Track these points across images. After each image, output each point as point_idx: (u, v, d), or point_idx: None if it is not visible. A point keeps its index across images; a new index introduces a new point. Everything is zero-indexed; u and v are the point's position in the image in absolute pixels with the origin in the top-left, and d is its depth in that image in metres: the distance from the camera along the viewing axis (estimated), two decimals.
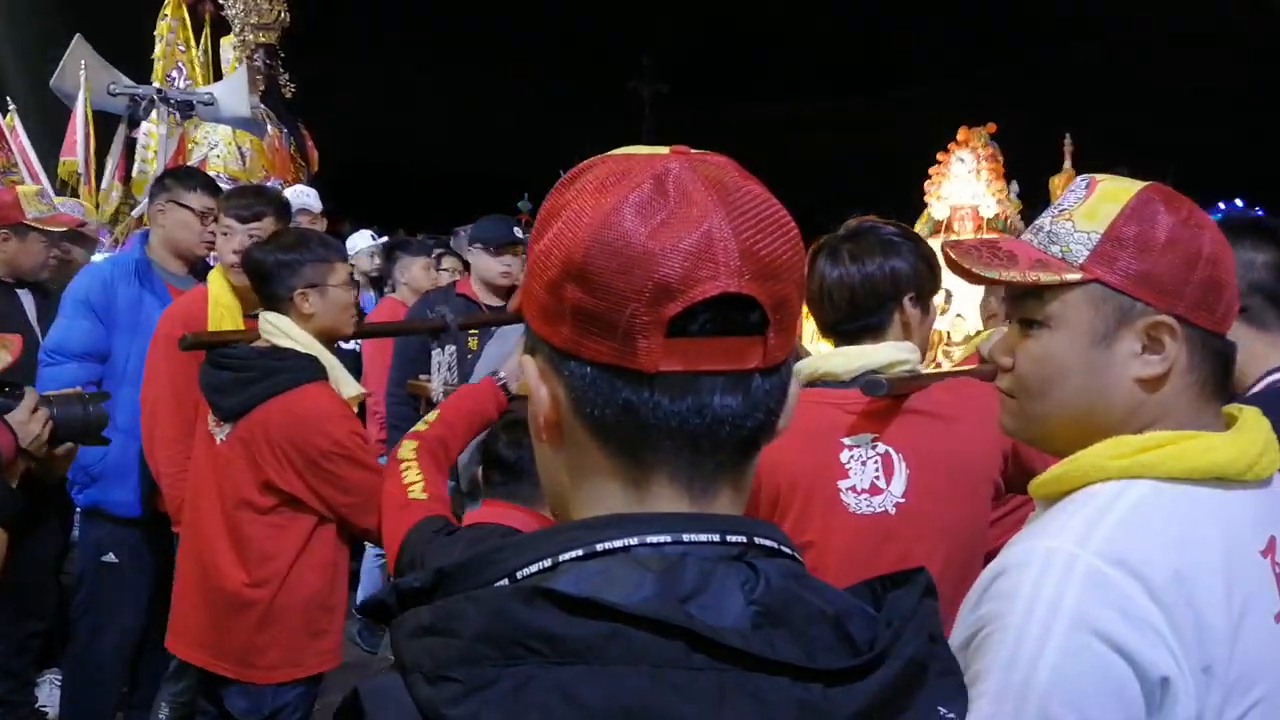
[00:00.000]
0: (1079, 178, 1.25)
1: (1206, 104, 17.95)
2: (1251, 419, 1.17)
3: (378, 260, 6.62)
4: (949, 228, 5.85)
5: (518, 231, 4.34)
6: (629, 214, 0.74)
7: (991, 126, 5.83)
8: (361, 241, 6.83)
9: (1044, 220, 1.23)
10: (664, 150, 0.80)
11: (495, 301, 4.29)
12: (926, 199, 5.91)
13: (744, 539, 0.76)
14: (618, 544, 0.74)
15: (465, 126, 21.92)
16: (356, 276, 6.66)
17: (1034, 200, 6.82)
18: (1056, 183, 6.17)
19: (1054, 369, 1.18)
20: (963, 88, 17.44)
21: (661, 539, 0.74)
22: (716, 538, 0.75)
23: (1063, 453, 1.18)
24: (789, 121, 22.15)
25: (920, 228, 6.04)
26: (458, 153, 21.49)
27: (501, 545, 0.77)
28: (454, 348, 3.29)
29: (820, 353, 2.05)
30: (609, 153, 0.81)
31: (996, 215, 5.78)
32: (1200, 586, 1.05)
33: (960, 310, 5.52)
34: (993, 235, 5.70)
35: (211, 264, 3.57)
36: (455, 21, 21.88)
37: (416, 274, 5.64)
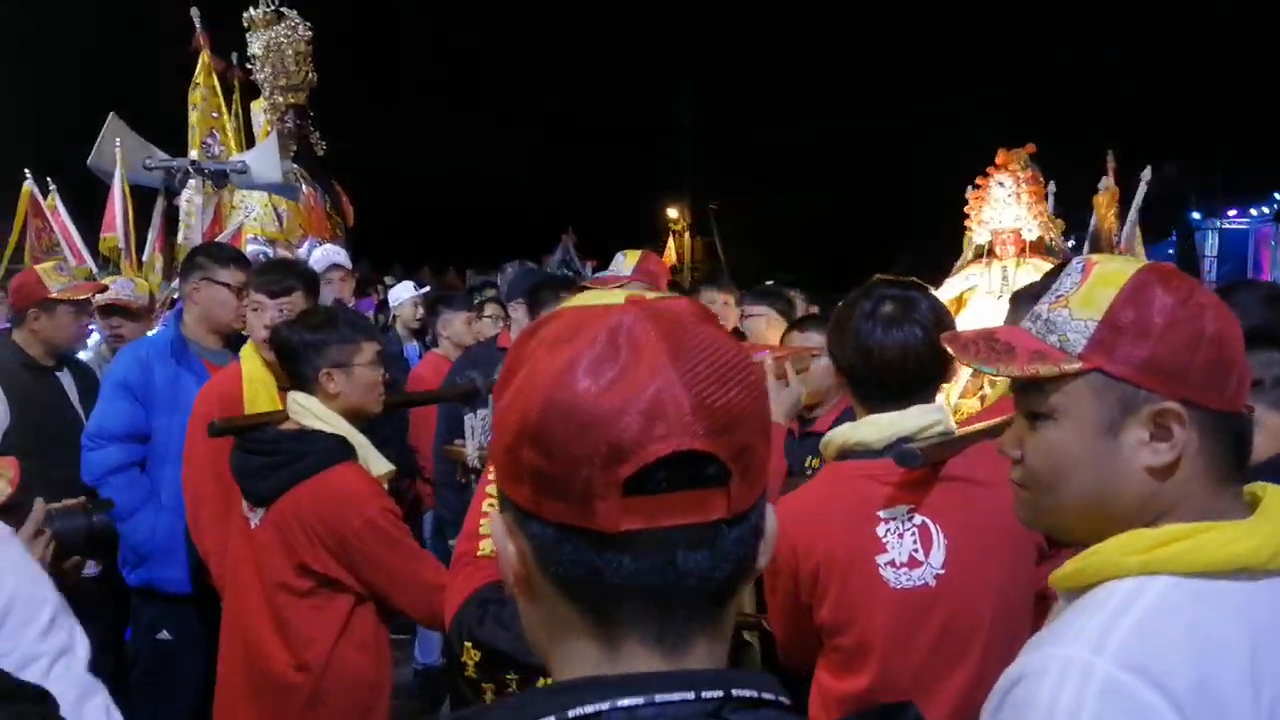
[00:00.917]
0: (1075, 260, 1.21)
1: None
2: (1274, 502, 1.10)
3: (420, 311, 6.64)
4: (991, 253, 5.71)
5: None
6: (580, 374, 0.74)
7: (1030, 147, 5.69)
8: (404, 293, 6.87)
9: (1041, 307, 1.19)
10: (620, 298, 0.80)
11: None
12: (966, 224, 5.78)
13: (720, 693, 0.74)
14: (589, 710, 0.73)
15: (505, 163, 22.15)
16: (399, 329, 6.70)
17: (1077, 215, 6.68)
18: (1101, 200, 6.00)
19: (1062, 461, 1.15)
20: (997, 99, 17.26)
21: (634, 701, 0.73)
22: (690, 695, 0.74)
23: (1083, 543, 1.14)
24: (822, 142, 22.11)
25: (965, 252, 5.92)
26: (500, 189, 21.71)
27: (481, 713, 0.79)
28: (485, 411, 3.25)
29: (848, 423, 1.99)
30: (571, 301, 0.82)
31: (1040, 238, 5.63)
32: (1225, 695, 0.99)
33: None
34: (1039, 259, 5.54)
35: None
36: (486, 61, 22.15)
37: (458, 328, 5.65)
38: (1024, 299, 3.04)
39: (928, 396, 1.94)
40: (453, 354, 5.36)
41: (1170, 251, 19.80)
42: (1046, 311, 1.17)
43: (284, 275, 3.38)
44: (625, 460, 0.72)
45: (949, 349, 1.26)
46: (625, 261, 4.08)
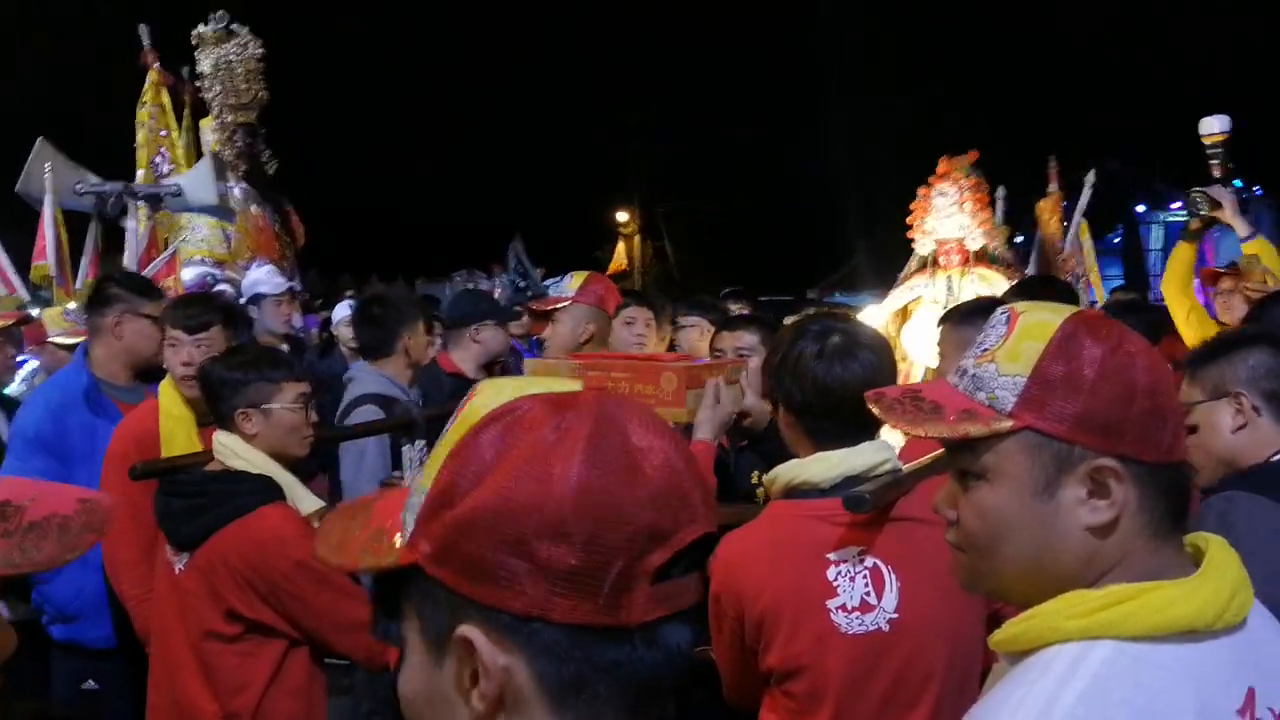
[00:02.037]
0: (999, 310, 1.17)
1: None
2: (1219, 557, 1.07)
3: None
4: (935, 263, 5.71)
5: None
6: (601, 463, 0.73)
7: (973, 154, 5.69)
8: (345, 311, 6.73)
9: (967, 361, 1.15)
10: (576, 385, 0.79)
11: (477, 375, 4.27)
12: (910, 235, 5.78)
13: None
14: None
15: (453, 170, 22.02)
16: (342, 348, 6.57)
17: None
18: (1044, 206, 6.04)
19: (997, 523, 1.10)
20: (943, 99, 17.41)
21: None
22: None
23: (1024, 604, 1.10)
24: (770, 144, 22.18)
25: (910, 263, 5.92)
26: (449, 196, 21.58)
27: None
28: (423, 443, 3.21)
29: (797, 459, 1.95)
30: (521, 395, 0.78)
31: (984, 247, 5.64)
32: None
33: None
34: (983, 269, 5.54)
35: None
36: (435, 67, 22.03)
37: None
38: (953, 321, 3.04)
39: (876, 432, 1.92)
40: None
41: (1116, 241, 20.06)
42: (972, 366, 1.14)
43: (201, 310, 3.28)
44: (659, 547, 0.72)
45: (874, 409, 1.22)
46: (570, 283, 3.94)
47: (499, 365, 4.64)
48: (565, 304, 3.77)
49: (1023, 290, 3.57)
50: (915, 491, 1.86)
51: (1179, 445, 1.08)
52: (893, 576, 1.82)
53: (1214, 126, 5.28)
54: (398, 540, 0.80)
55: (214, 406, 2.64)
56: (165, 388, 3.25)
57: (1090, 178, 6.25)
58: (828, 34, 20.87)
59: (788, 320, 4.02)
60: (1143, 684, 0.98)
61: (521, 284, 9.96)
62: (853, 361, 1.87)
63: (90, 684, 3.34)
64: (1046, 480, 1.07)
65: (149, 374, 3.45)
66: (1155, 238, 21.08)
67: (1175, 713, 0.98)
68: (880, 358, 1.90)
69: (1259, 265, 4.65)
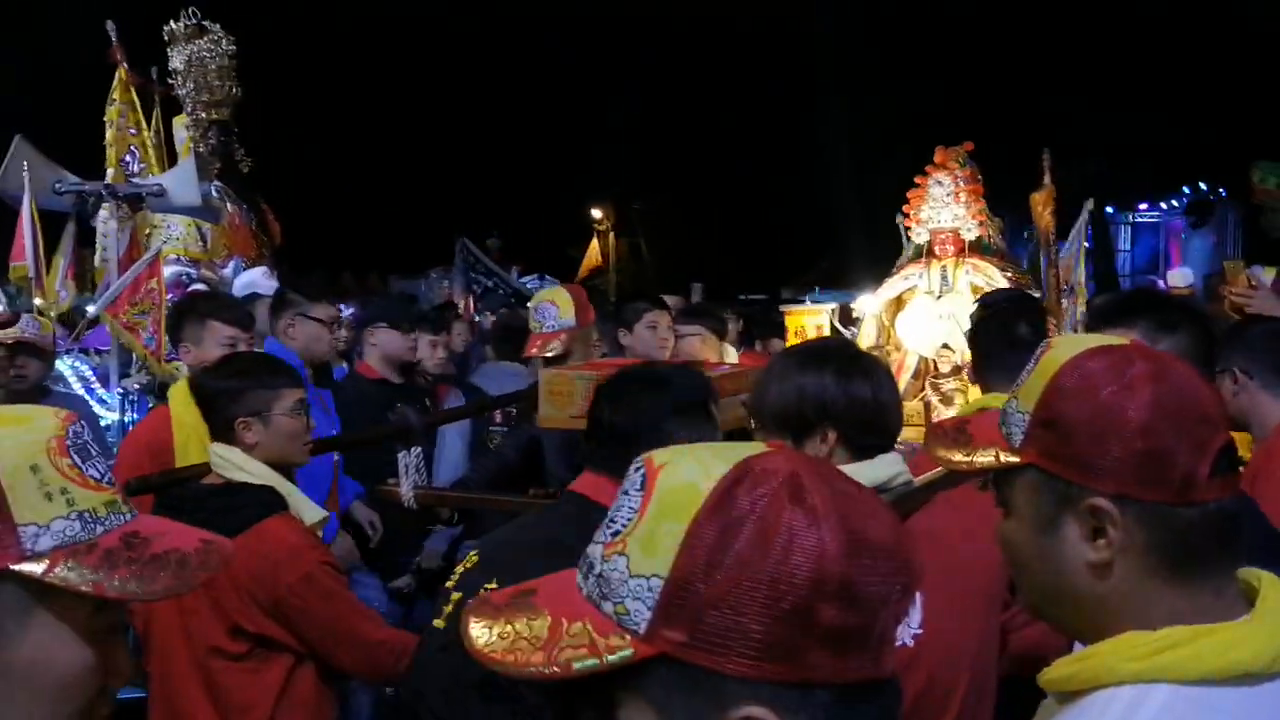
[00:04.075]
0: (1043, 343, 1.16)
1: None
2: (1273, 596, 1.04)
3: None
4: (930, 253, 5.72)
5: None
6: (845, 517, 0.77)
7: (968, 145, 5.70)
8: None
9: (1009, 397, 1.15)
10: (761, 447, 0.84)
11: (397, 378, 4.35)
12: (905, 224, 5.79)
13: None
14: None
15: (429, 165, 21.90)
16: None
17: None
18: (1037, 199, 6.05)
19: (1014, 555, 1.14)
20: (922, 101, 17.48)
21: None
22: None
23: (1070, 633, 1.13)
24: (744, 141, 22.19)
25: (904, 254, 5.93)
26: (424, 191, 21.46)
27: None
28: (419, 449, 3.17)
29: None
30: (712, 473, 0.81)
31: (979, 238, 5.66)
32: None
33: (948, 340, 5.41)
34: (978, 259, 5.58)
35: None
36: (409, 64, 21.89)
37: (422, 348, 5.33)
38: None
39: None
40: (385, 371, 5.15)
41: (1087, 245, 20.27)
42: (1009, 402, 1.15)
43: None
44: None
45: (928, 437, 1.25)
46: (559, 312, 3.70)
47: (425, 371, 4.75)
48: (562, 336, 3.67)
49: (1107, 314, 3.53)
50: (929, 507, 1.85)
51: (1194, 486, 1.03)
52: (917, 593, 1.80)
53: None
54: (616, 636, 0.78)
55: (211, 418, 2.58)
56: (178, 393, 3.18)
57: (1089, 205, 6.33)
58: (806, 30, 20.92)
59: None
60: None
61: (489, 283, 9.80)
62: (882, 385, 1.90)
63: None
64: (1050, 517, 1.08)
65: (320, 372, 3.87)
66: (1124, 239, 21.36)
67: None
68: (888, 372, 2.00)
69: (1243, 269, 4.72)
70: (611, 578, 0.80)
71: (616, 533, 0.82)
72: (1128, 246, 21.44)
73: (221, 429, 2.56)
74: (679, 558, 0.77)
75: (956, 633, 1.81)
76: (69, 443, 0.99)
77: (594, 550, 0.84)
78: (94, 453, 1.01)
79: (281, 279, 7.71)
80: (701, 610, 0.75)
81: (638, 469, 0.84)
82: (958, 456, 1.16)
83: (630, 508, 0.82)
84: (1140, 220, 21.33)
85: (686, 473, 0.81)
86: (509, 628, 0.82)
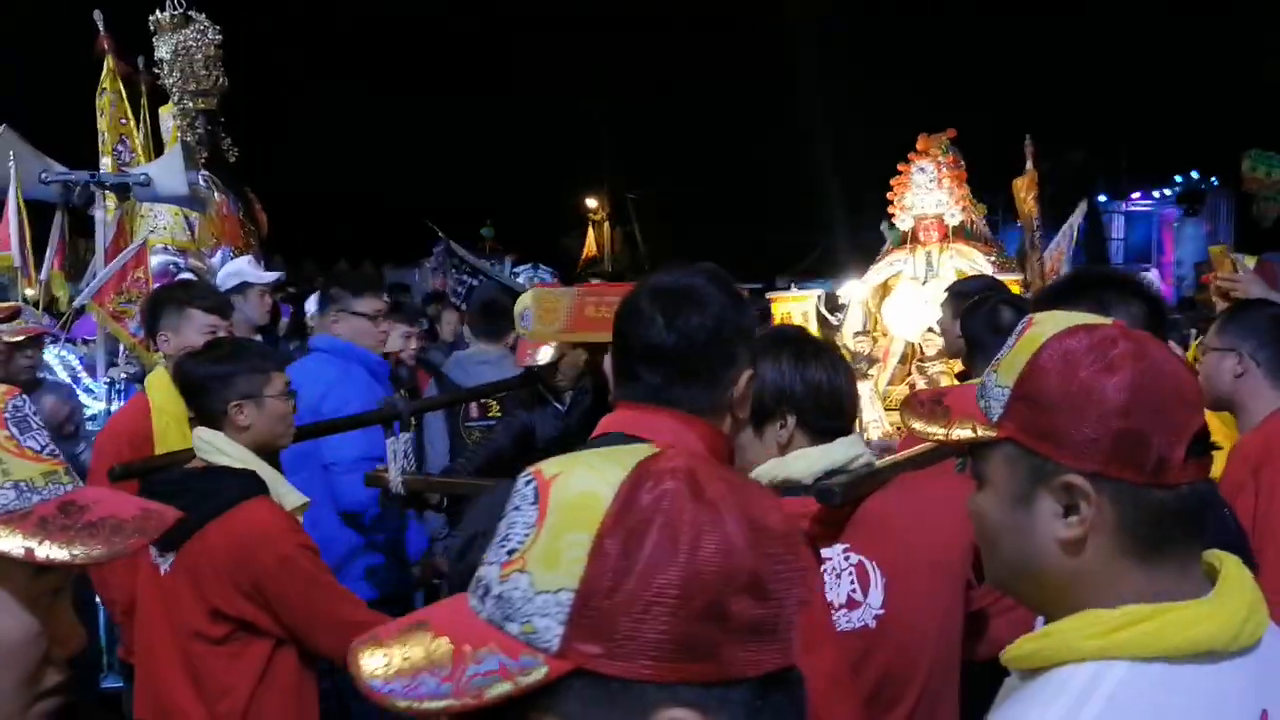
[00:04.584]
0: (1024, 318, 1.17)
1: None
2: (1234, 576, 1.06)
3: None
4: (915, 239, 5.76)
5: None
6: (751, 506, 0.78)
7: (951, 132, 5.74)
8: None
9: (988, 371, 1.15)
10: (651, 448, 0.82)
11: None
12: (890, 211, 5.83)
13: None
14: None
15: (423, 154, 21.86)
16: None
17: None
18: (1020, 185, 6.09)
19: (986, 528, 1.14)
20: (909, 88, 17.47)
21: None
22: None
23: (1034, 608, 1.13)
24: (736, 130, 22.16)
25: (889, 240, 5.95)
26: (418, 180, 21.42)
27: None
28: (408, 435, 3.17)
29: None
30: (615, 460, 0.80)
31: (961, 223, 5.69)
32: None
33: (934, 325, 5.45)
34: (962, 244, 5.61)
35: None
36: (403, 53, 21.84)
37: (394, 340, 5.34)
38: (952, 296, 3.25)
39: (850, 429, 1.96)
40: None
41: (1080, 237, 20.27)
42: (987, 375, 1.15)
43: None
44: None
45: (902, 409, 1.24)
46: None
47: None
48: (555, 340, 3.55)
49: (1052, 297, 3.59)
50: (889, 489, 1.86)
51: (1170, 466, 1.04)
52: (878, 573, 1.81)
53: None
54: (527, 655, 0.75)
55: (201, 403, 2.58)
56: (157, 381, 3.18)
57: (1082, 206, 6.38)
58: (799, 18, 20.88)
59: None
60: (1160, 705, 0.98)
61: (474, 281, 9.62)
62: (836, 372, 1.92)
63: None
64: (1024, 492, 1.08)
65: None
66: (1116, 227, 21.38)
67: None
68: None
69: (1229, 255, 4.76)
70: (513, 597, 0.76)
71: (512, 551, 0.78)
72: (1121, 235, 21.45)
73: (212, 414, 2.57)
74: (588, 568, 0.74)
75: (920, 615, 1.82)
76: (7, 416, 1.02)
77: (488, 572, 0.79)
78: (34, 426, 1.04)
79: (274, 268, 7.71)
80: (615, 619, 0.73)
81: (528, 482, 0.81)
82: (934, 429, 1.17)
83: (525, 524, 0.78)
84: (1133, 209, 21.35)
85: (582, 482, 0.78)
86: (406, 658, 0.76)
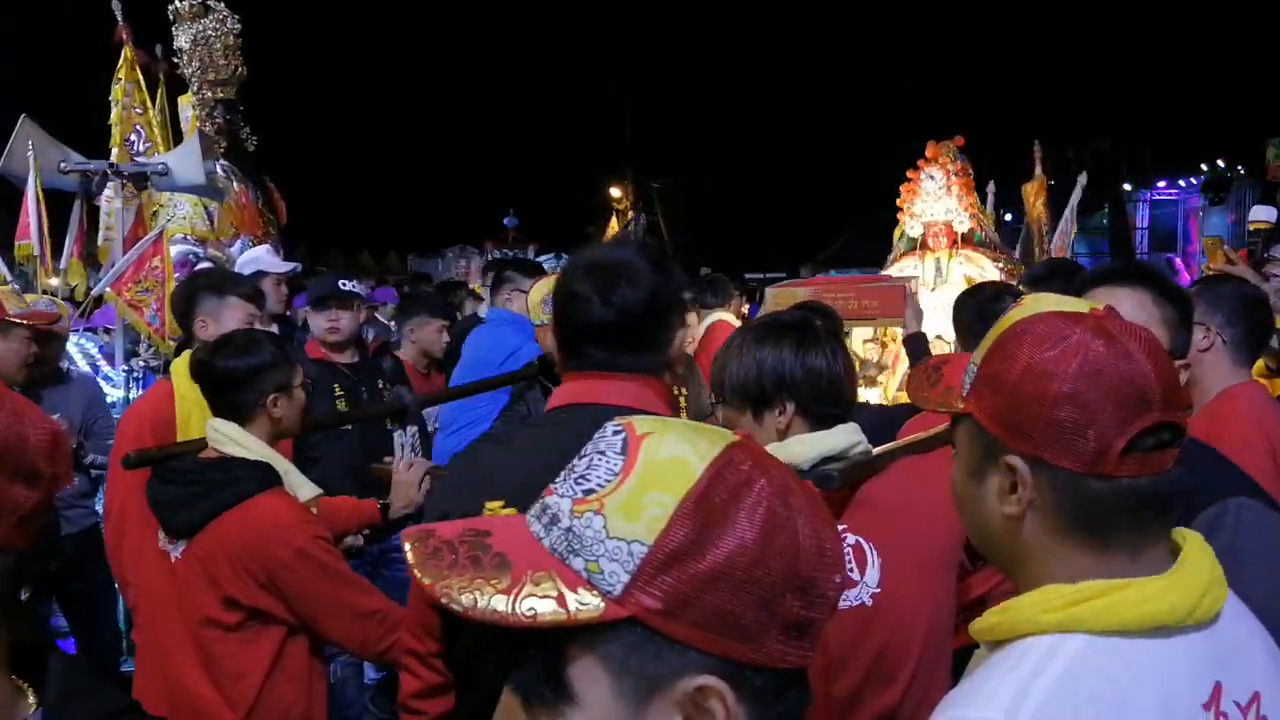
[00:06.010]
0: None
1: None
2: (1194, 553, 1.08)
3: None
4: (924, 245, 5.76)
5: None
6: (818, 522, 0.83)
7: (959, 139, 5.75)
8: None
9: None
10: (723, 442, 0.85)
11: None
12: (899, 218, 5.84)
13: None
14: None
15: (448, 144, 21.91)
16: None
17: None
18: (1029, 190, 6.10)
19: (956, 498, 1.20)
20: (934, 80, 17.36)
21: None
22: None
23: (1006, 575, 1.18)
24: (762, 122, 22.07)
25: (897, 244, 5.94)
26: (442, 172, 21.49)
27: None
28: (415, 428, 3.19)
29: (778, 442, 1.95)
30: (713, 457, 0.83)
31: (970, 230, 5.69)
32: None
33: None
34: (970, 251, 5.60)
35: None
36: (434, 36, 21.86)
37: (429, 335, 5.22)
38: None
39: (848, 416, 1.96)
40: (419, 362, 5.14)
41: (1104, 222, 20.15)
42: (976, 352, 1.18)
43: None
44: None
45: (912, 372, 1.30)
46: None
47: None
48: None
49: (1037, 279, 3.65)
50: (885, 474, 1.89)
51: (1111, 460, 1.03)
52: (874, 553, 1.85)
53: (1260, 215, 5.90)
54: (586, 592, 0.78)
55: (234, 397, 2.58)
56: (181, 369, 3.20)
57: (1081, 179, 6.36)
58: (825, 13, 20.80)
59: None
60: (1112, 678, 1.00)
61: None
62: (833, 358, 1.93)
63: None
64: (978, 466, 1.14)
65: None
66: (1141, 216, 21.22)
67: (1141, 706, 1.00)
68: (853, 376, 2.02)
69: (1221, 245, 4.92)
70: (585, 535, 0.80)
71: (590, 491, 0.81)
72: (1146, 224, 21.30)
73: (246, 407, 2.58)
74: (667, 530, 0.78)
75: (915, 595, 1.85)
76: None
77: (559, 503, 0.83)
78: None
79: (296, 259, 7.75)
80: (682, 584, 0.77)
81: (617, 432, 0.85)
82: (928, 393, 1.23)
83: (609, 469, 0.82)
84: (1158, 198, 21.19)
85: (674, 447, 0.82)
86: (466, 564, 0.80)
